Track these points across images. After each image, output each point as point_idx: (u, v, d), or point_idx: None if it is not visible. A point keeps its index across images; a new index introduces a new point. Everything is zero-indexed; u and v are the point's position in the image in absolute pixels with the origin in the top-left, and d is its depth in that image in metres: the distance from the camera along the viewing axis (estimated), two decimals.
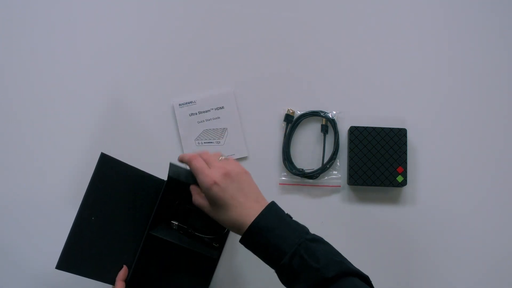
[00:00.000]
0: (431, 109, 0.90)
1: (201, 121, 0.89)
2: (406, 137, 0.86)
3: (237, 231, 0.65)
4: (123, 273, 0.74)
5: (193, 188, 0.71)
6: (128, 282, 0.75)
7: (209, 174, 0.65)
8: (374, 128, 0.86)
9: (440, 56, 0.91)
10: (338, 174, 0.88)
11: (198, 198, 0.69)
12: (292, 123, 0.88)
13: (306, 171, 0.87)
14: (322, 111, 0.89)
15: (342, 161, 0.89)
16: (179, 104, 0.89)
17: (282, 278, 0.63)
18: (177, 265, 0.78)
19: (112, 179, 0.73)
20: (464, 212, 0.88)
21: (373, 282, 0.64)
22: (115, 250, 0.74)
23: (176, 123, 0.89)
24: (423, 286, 0.87)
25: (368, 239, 0.87)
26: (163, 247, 0.76)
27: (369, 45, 0.91)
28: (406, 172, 0.85)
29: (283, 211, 0.67)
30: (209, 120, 0.89)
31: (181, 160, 0.71)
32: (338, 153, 0.88)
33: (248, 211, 0.64)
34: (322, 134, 0.89)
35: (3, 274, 0.86)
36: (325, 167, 0.87)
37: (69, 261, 0.70)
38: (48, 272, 0.85)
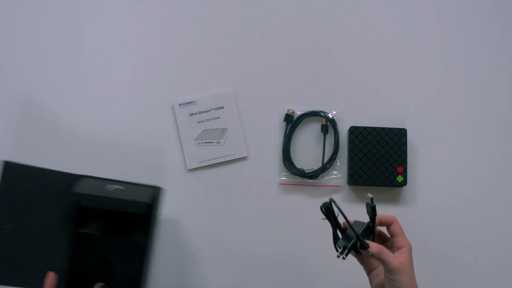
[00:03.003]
0: (431, 109, 0.90)
1: (201, 121, 0.89)
2: (406, 137, 0.86)
3: None
4: (50, 279, 0.69)
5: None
6: (67, 285, 0.71)
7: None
8: (374, 128, 0.86)
9: (440, 56, 0.91)
10: (338, 174, 0.88)
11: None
12: (292, 123, 0.88)
13: (306, 171, 0.87)
14: (322, 111, 0.89)
15: (342, 161, 0.89)
16: (179, 104, 0.89)
17: None
18: (114, 257, 0.74)
19: (21, 185, 0.71)
20: (464, 212, 0.88)
21: None
22: (42, 254, 0.71)
23: (176, 123, 0.89)
24: (423, 286, 0.87)
25: None
26: (95, 242, 0.73)
27: (369, 45, 0.91)
28: (406, 172, 0.85)
29: None
30: (209, 120, 0.89)
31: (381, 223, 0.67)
32: (338, 153, 0.88)
33: None
34: (322, 134, 0.89)
35: None
36: (325, 167, 0.87)
37: None
38: None
